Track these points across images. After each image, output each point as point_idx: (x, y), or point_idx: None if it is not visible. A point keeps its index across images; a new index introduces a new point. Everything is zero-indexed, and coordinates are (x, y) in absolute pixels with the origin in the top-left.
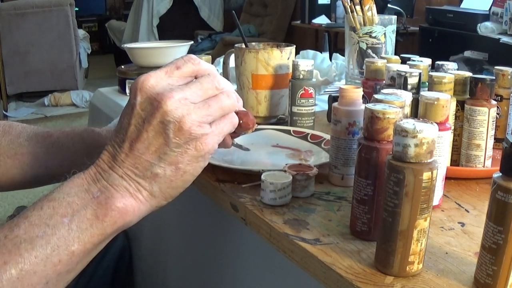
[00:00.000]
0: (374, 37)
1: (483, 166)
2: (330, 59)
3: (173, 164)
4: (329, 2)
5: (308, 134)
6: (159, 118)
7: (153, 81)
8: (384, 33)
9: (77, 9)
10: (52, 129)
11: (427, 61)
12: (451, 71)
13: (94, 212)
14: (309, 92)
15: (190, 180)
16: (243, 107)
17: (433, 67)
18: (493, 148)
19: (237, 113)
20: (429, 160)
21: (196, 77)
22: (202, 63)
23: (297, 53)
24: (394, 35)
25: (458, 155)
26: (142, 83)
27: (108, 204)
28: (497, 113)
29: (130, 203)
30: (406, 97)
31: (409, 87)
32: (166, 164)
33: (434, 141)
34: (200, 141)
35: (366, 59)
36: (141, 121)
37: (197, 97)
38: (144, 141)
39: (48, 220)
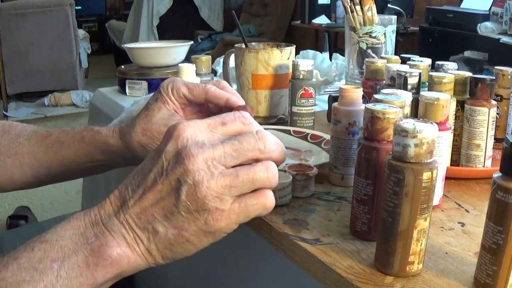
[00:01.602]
0: (374, 37)
1: (483, 166)
2: (330, 59)
3: (177, 228)
4: (329, 2)
5: (308, 134)
6: (178, 174)
7: (190, 132)
8: (384, 33)
9: (79, 7)
10: (52, 128)
11: (427, 61)
12: (451, 71)
13: (85, 260)
14: (309, 92)
15: (192, 250)
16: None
17: (433, 67)
18: (493, 148)
19: (235, 106)
20: (429, 160)
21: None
22: (254, 123)
23: (297, 53)
24: (394, 35)
25: (458, 155)
26: (179, 131)
27: (100, 252)
28: (497, 113)
29: (126, 253)
30: (406, 97)
31: (409, 87)
32: (169, 225)
33: (434, 141)
34: (213, 216)
35: (366, 59)
36: (161, 172)
37: (230, 160)
38: (157, 193)
39: (37, 264)
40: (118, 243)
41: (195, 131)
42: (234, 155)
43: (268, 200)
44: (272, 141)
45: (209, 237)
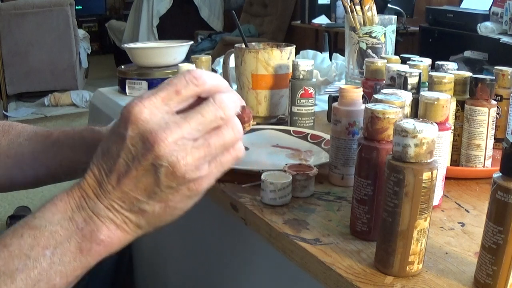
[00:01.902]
0: (374, 37)
1: (483, 166)
2: (330, 59)
3: (163, 202)
4: (329, 2)
5: (308, 134)
6: (150, 160)
7: (146, 113)
8: (384, 33)
9: (80, 7)
10: (52, 128)
11: (427, 61)
12: (451, 71)
13: (78, 245)
14: (309, 92)
15: (179, 214)
16: None
17: (433, 67)
18: (493, 148)
19: None
20: (429, 160)
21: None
22: (206, 82)
23: (297, 53)
24: (394, 35)
25: (458, 155)
26: (135, 116)
27: (93, 238)
28: (497, 113)
29: (116, 235)
30: (406, 97)
31: (409, 87)
32: (155, 202)
33: (434, 141)
34: (194, 183)
35: (366, 59)
36: (131, 158)
37: (197, 133)
38: (133, 178)
39: (29, 251)
40: (108, 227)
41: (152, 110)
42: (199, 128)
43: (239, 152)
44: (229, 104)
45: (194, 198)
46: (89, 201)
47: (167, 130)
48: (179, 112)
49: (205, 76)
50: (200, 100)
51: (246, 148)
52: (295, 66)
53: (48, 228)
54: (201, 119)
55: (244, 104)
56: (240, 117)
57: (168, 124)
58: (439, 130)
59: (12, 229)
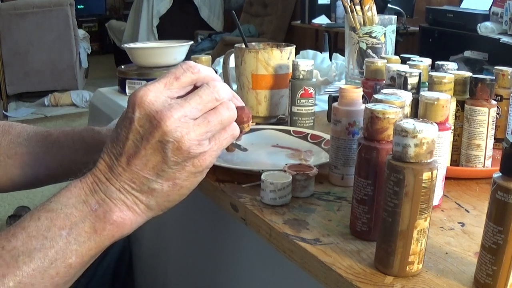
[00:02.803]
0: (374, 37)
1: (483, 166)
2: (330, 59)
3: (171, 180)
4: (329, 2)
5: (308, 134)
6: (157, 137)
7: (152, 96)
8: (384, 33)
9: (82, 6)
10: (52, 128)
11: (427, 61)
12: (451, 71)
13: (92, 226)
14: (309, 92)
15: (186, 193)
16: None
17: (433, 67)
18: (493, 148)
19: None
20: (429, 160)
21: (195, 85)
22: (201, 70)
23: (297, 53)
24: (394, 35)
25: (458, 155)
26: (141, 98)
27: (106, 218)
28: (497, 113)
29: (128, 216)
30: (406, 97)
31: (409, 87)
32: (163, 180)
33: (434, 141)
34: (198, 159)
35: (366, 59)
36: (139, 138)
37: (197, 112)
38: (142, 157)
39: (46, 232)
40: (120, 208)
41: (156, 93)
42: (199, 108)
43: (234, 131)
44: (222, 88)
45: (198, 176)
46: (101, 185)
47: (172, 109)
48: (179, 97)
49: (200, 66)
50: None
51: (245, 149)
52: (295, 66)
53: (63, 211)
54: (199, 99)
55: (243, 104)
56: (239, 117)
57: (171, 104)
58: (439, 130)
59: (29, 213)
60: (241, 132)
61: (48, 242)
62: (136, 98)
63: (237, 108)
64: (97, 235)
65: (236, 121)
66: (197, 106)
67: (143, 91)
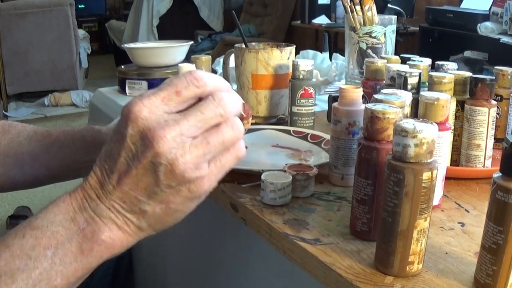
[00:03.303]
0: (374, 37)
1: (483, 166)
2: (330, 59)
3: (163, 203)
4: (329, 2)
5: (308, 134)
6: (149, 158)
7: (146, 112)
8: (384, 33)
9: (83, 6)
10: (52, 128)
11: (427, 61)
12: (451, 71)
13: (79, 246)
14: (309, 92)
15: (182, 217)
16: None
17: (433, 67)
18: (493, 148)
19: None
20: (429, 160)
21: (200, 98)
22: (207, 83)
23: (297, 53)
24: (394, 35)
25: (458, 155)
26: (135, 113)
27: (94, 238)
28: (497, 113)
29: (118, 236)
30: (406, 97)
31: (409, 87)
32: (155, 203)
33: (434, 141)
34: (195, 183)
35: (366, 59)
36: (131, 156)
37: (196, 130)
38: (133, 177)
39: (30, 251)
40: (110, 228)
41: (151, 108)
42: (198, 126)
43: (239, 152)
44: (229, 102)
45: (195, 201)
46: (91, 202)
47: (166, 127)
48: (179, 112)
49: (207, 78)
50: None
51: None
52: (295, 66)
53: (49, 228)
54: (200, 116)
55: (243, 102)
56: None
57: (167, 121)
58: (439, 130)
59: (15, 229)
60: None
61: (32, 262)
62: (130, 112)
63: None
64: (84, 256)
65: None
66: (196, 123)
67: (138, 105)
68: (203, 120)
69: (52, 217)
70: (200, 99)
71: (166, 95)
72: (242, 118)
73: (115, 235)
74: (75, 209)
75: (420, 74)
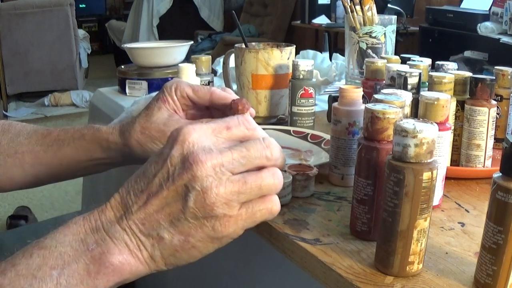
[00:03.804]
0: (374, 37)
1: (483, 166)
2: (330, 59)
3: (183, 234)
4: (329, 2)
5: (308, 134)
6: (185, 180)
7: (195, 136)
8: (384, 33)
9: (84, 5)
10: (52, 127)
11: (427, 61)
12: (451, 71)
13: (86, 267)
14: (309, 92)
15: (197, 256)
16: None
17: (433, 67)
18: (493, 148)
19: (240, 105)
20: (429, 160)
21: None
22: (257, 129)
23: (297, 53)
24: (394, 35)
25: (458, 155)
26: (184, 136)
27: (102, 260)
28: (497, 113)
29: (128, 261)
30: (406, 97)
31: (409, 87)
32: (175, 231)
33: (434, 141)
34: (220, 221)
35: (366, 59)
36: (167, 177)
37: (238, 166)
38: (162, 199)
39: (36, 271)
40: (120, 250)
41: (201, 135)
42: (242, 162)
43: (274, 205)
44: (277, 149)
45: (215, 243)
46: (106, 223)
47: (209, 154)
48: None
49: (257, 126)
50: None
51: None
52: (295, 66)
53: (58, 249)
54: (246, 152)
55: (241, 97)
56: (234, 103)
57: (211, 150)
58: (439, 130)
59: (23, 249)
60: None
61: (37, 282)
62: (179, 134)
63: (238, 99)
64: (90, 278)
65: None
66: (240, 159)
67: (187, 129)
68: (247, 157)
69: (61, 238)
70: None
71: (217, 127)
72: (237, 108)
73: (124, 259)
74: (86, 230)
75: (420, 74)
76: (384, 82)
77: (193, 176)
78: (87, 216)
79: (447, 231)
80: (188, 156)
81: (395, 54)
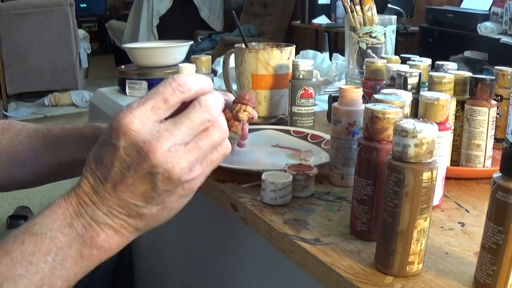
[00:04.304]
0: (374, 37)
1: (483, 166)
2: (330, 59)
3: (160, 204)
4: (329, 2)
5: (308, 134)
6: (146, 169)
7: (137, 124)
8: (384, 33)
9: (85, 5)
10: (52, 126)
11: (427, 61)
12: (451, 71)
13: (79, 251)
14: (309, 92)
15: (175, 213)
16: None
17: (433, 67)
18: (493, 148)
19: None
20: (429, 160)
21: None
22: (191, 86)
23: (297, 53)
24: (394, 35)
25: (458, 155)
26: (126, 126)
27: (93, 243)
28: (497, 113)
29: (115, 240)
30: (406, 97)
31: (409, 87)
32: (152, 205)
33: (434, 141)
34: (189, 183)
35: (366, 59)
36: (126, 166)
37: (188, 137)
38: (129, 185)
39: (31, 257)
40: (107, 233)
41: (142, 120)
42: (190, 133)
43: (227, 149)
44: (214, 105)
45: (188, 197)
46: (87, 208)
47: (160, 138)
48: (166, 118)
49: (190, 82)
50: (185, 105)
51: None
52: (295, 66)
53: (48, 235)
54: (191, 123)
55: (245, 91)
56: (241, 97)
57: (160, 132)
58: (439, 130)
59: (12, 235)
60: (243, 123)
61: (33, 268)
62: (120, 125)
63: (242, 93)
64: (83, 260)
65: (238, 102)
66: (188, 131)
67: (128, 118)
68: (193, 127)
69: (50, 224)
70: (184, 102)
71: (155, 103)
72: (236, 108)
73: (112, 239)
74: (71, 214)
75: (420, 74)
76: (384, 82)
77: (153, 164)
78: (67, 198)
79: (447, 231)
80: (141, 145)
81: (395, 54)
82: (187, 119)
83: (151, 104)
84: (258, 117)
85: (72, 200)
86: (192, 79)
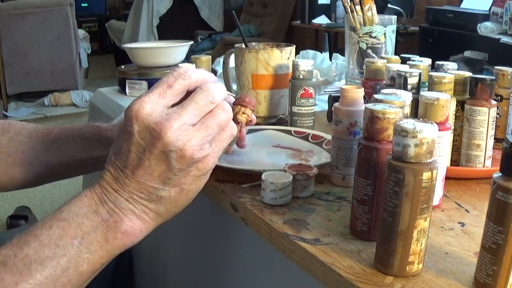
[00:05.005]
0: (374, 37)
1: (483, 166)
2: (330, 59)
3: (177, 186)
4: (329, 2)
5: (309, 134)
6: (160, 148)
7: (148, 107)
8: (384, 33)
9: (86, 4)
10: (52, 126)
11: (427, 61)
12: (451, 71)
13: (104, 235)
14: (309, 92)
15: (193, 196)
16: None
17: (433, 67)
18: (493, 148)
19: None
20: (429, 160)
21: (188, 91)
22: (192, 75)
23: (297, 53)
24: (394, 35)
25: (458, 155)
26: (138, 111)
27: (117, 228)
28: (497, 113)
29: (138, 225)
30: (406, 97)
31: (409, 87)
32: (170, 187)
33: (434, 141)
34: (202, 162)
35: (366, 59)
36: (142, 150)
37: (194, 118)
38: (147, 168)
39: (58, 240)
40: (130, 218)
41: (152, 104)
42: (196, 114)
43: (233, 130)
44: (216, 90)
45: (203, 178)
46: (110, 195)
47: (170, 118)
48: (174, 106)
49: (191, 71)
50: (189, 95)
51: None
52: (295, 66)
53: (75, 220)
54: (196, 105)
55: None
56: (241, 99)
57: (169, 114)
58: (439, 130)
59: (41, 221)
60: (241, 126)
61: (60, 250)
62: (132, 111)
63: (243, 95)
64: (108, 244)
65: (237, 104)
66: (194, 112)
67: (138, 103)
68: (198, 108)
69: (76, 210)
70: (188, 93)
71: (161, 90)
72: (236, 110)
73: (135, 224)
74: (96, 202)
75: (420, 74)
76: (384, 82)
77: (165, 142)
78: (92, 189)
79: (447, 231)
80: (153, 126)
81: (395, 54)
82: (192, 102)
83: (158, 91)
84: (258, 117)
85: (96, 190)
86: (193, 70)
